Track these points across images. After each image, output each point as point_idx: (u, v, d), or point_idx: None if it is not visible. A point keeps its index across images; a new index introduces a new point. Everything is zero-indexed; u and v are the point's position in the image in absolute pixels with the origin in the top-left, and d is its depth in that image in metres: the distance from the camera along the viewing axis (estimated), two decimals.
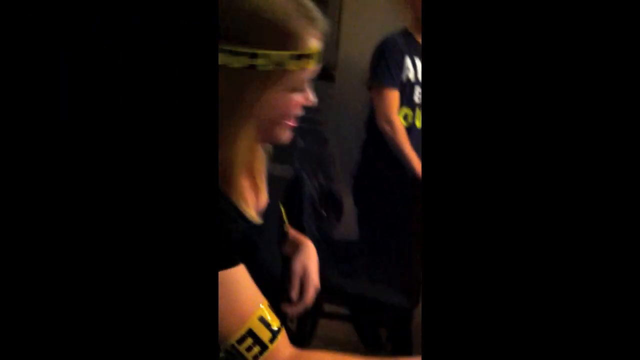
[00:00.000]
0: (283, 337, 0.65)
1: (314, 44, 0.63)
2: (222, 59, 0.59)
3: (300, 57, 0.61)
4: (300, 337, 1.64)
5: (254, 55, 0.59)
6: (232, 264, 0.63)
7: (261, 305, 0.64)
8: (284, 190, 1.47)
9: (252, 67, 0.60)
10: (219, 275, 0.60)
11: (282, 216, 0.87)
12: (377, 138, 1.77)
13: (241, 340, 0.61)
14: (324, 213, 1.57)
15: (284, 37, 0.60)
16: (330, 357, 0.70)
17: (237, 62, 0.59)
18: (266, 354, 0.62)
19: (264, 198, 0.76)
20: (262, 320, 0.63)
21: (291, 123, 0.68)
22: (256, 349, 0.62)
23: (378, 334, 1.74)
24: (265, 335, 0.62)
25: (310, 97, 0.67)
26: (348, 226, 1.82)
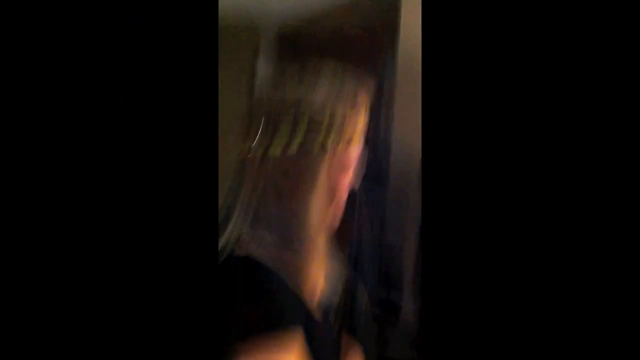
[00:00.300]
0: None
1: (363, 115, 0.67)
2: (274, 149, 0.62)
3: (346, 139, 0.65)
4: None
5: (305, 142, 0.62)
6: (294, 323, 0.57)
7: None
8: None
9: (304, 151, 0.62)
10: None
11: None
12: None
13: None
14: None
15: (333, 122, 0.63)
16: None
17: (289, 151, 0.62)
18: None
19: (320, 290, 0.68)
20: None
21: (341, 207, 0.68)
22: None
23: None
24: None
25: (356, 180, 0.69)
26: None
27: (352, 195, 0.69)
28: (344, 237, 0.69)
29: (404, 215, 2.13)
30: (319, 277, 0.65)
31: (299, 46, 3.60)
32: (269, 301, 0.57)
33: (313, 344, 0.60)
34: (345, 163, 0.65)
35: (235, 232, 0.61)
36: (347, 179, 0.67)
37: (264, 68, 3.10)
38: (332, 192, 0.65)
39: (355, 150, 0.66)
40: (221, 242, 0.60)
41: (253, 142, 0.63)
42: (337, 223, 0.69)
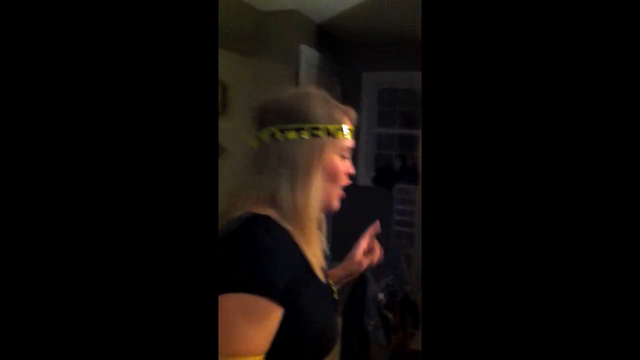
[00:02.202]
0: None
1: (349, 124, 0.84)
2: (290, 134, 0.78)
3: (343, 129, 0.82)
4: None
5: (315, 128, 0.79)
6: (268, 295, 0.66)
7: (261, 354, 0.66)
8: (348, 292, 1.39)
9: (314, 136, 0.79)
10: (255, 299, 0.64)
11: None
12: None
13: None
14: (389, 315, 1.42)
15: (332, 117, 0.81)
16: None
17: (303, 134, 0.79)
18: None
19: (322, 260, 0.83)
20: None
21: (341, 191, 0.84)
22: None
23: None
24: None
25: (352, 167, 0.85)
26: None
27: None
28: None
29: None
30: (318, 248, 0.80)
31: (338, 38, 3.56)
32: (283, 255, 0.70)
33: (309, 299, 0.72)
34: (344, 150, 0.82)
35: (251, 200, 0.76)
36: (346, 166, 0.83)
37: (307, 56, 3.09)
38: (334, 173, 0.81)
39: (351, 142, 0.83)
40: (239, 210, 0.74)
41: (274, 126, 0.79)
42: (336, 204, 0.84)
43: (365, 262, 1.02)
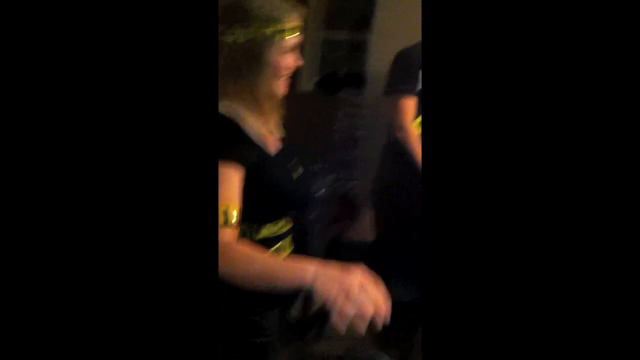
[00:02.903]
0: (232, 230, 0.80)
1: (297, 22, 0.90)
2: (235, 35, 0.84)
3: (286, 30, 0.88)
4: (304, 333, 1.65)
5: (258, 30, 0.85)
6: (237, 160, 0.81)
7: (230, 205, 0.80)
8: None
9: (257, 37, 0.85)
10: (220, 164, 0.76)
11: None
12: (394, 143, 1.81)
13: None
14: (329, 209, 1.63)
15: (277, 16, 0.87)
16: (254, 254, 0.79)
17: (243, 36, 0.85)
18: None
19: (277, 143, 0.96)
20: (225, 213, 0.79)
21: (287, 78, 0.93)
22: (222, 221, 0.78)
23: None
24: (221, 219, 0.78)
25: (299, 59, 0.93)
26: (364, 229, 1.87)
27: None
28: None
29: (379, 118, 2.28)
30: (273, 124, 0.93)
31: None
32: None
33: (272, 175, 0.89)
34: (287, 47, 0.89)
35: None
36: (291, 59, 0.91)
37: None
38: (278, 69, 0.89)
39: (296, 39, 0.90)
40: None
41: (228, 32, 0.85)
42: (282, 92, 0.93)
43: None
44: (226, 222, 0.79)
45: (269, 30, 0.86)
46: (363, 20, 3.85)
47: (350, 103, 3.64)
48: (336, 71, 4.08)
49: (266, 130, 0.93)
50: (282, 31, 0.88)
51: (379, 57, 2.27)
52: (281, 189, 0.93)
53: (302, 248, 1.09)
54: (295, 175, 0.97)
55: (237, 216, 0.81)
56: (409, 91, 1.76)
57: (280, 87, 0.94)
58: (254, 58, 0.87)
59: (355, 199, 1.83)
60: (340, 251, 1.76)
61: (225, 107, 0.86)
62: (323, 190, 1.58)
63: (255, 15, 0.86)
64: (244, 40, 0.86)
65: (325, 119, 3.53)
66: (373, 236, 1.87)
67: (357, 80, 3.70)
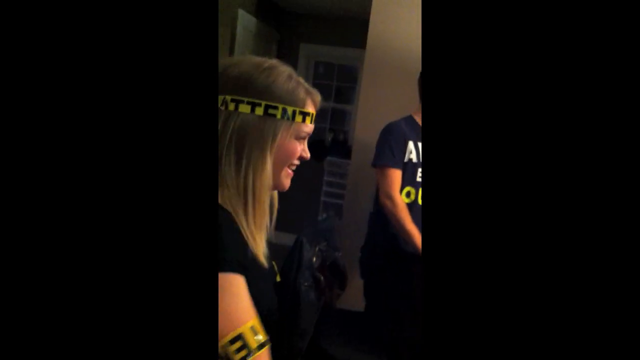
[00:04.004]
0: (267, 350, 0.71)
1: (312, 108, 0.81)
2: (244, 107, 0.74)
3: (304, 113, 0.79)
4: None
5: (272, 107, 0.75)
6: (236, 271, 0.70)
7: (253, 318, 0.70)
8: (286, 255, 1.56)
9: (269, 115, 0.75)
10: (221, 278, 0.67)
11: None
12: (381, 213, 1.84)
13: (233, 341, 0.67)
14: (320, 277, 1.63)
15: (293, 98, 0.78)
16: None
17: (257, 111, 0.75)
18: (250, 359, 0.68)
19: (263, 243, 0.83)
20: (253, 329, 0.69)
21: (291, 171, 0.83)
22: (243, 353, 0.67)
23: None
24: (253, 343, 0.68)
25: (307, 151, 0.83)
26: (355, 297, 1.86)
27: None
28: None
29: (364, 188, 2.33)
30: (263, 231, 0.79)
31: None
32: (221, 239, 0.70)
33: (256, 285, 0.73)
34: (300, 133, 0.79)
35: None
36: (301, 148, 0.81)
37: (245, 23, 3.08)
38: (287, 156, 0.78)
39: (311, 127, 0.81)
40: None
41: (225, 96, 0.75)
42: (287, 184, 0.82)
43: None
44: (260, 345, 0.69)
45: (290, 109, 0.77)
46: (346, 93, 4.04)
47: (337, 170, 3.74)
48: (322, 139, 4.21)
49: (255, 238, 0.78)
50: (304, 114, 0.79)
51: (364, 132, 2.36)
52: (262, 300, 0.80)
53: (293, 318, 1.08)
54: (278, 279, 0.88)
55: (263, 331, 0.71)
56: (395, 163, 1.82)
57: (286, 178, 0.82)
58: (267, 136, 0.76)
59: (345, 268, 1.83)
60: (331, 320, 1.73)
61: (223, 197, 0.75)
62: (314, 259, 1.58)
63: (279, 89, 0.76)
64: (261, 114, 0.75)
65: (313, 185, 3.60)
66: (363, 305, 1.86)
67: (341, 148, 3.82)
